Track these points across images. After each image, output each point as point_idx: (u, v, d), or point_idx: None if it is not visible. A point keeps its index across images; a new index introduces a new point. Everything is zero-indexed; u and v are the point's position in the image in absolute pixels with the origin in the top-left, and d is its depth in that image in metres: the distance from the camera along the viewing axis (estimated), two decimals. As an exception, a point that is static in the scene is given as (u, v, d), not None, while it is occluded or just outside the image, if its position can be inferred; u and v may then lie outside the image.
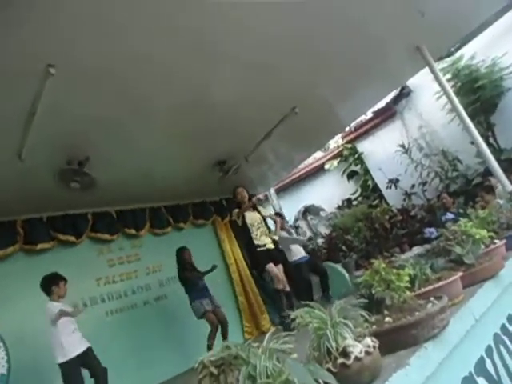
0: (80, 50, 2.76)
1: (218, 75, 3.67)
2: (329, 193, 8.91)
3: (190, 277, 4.90)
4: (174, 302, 5.45)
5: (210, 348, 4.28)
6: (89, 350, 3.65)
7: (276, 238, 5.12)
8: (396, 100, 7.86)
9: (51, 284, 3.72)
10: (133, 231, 5.59)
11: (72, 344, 3.53)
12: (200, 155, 5.16)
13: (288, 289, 4.68)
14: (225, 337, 4.68)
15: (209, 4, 2.81)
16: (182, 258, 5.04)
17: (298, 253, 5.68)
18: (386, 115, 8.08)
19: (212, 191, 6.52)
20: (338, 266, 6.16)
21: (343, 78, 4.63)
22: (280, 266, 4.75)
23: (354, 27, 3.78)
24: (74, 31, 2.59)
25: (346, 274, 5.96)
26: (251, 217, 4.83)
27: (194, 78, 3.59)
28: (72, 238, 4.94)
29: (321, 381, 1.02)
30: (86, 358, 3.58)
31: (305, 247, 6.45)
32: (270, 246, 4.77)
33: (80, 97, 3.22)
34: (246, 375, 1.05)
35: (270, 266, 4.57)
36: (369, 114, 8.18)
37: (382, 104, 7.74)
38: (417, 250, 5.61)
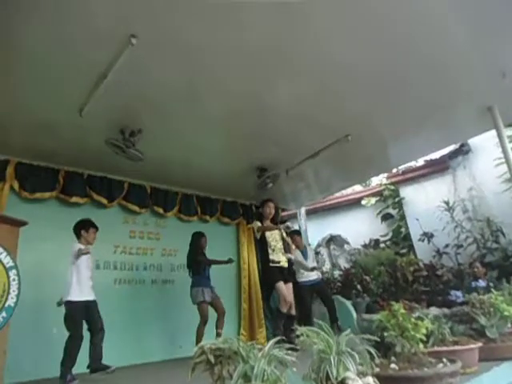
0: (164, 27, 2.88)
1: (282, 87, 3.72)
2: (358, 228, 8.71)
3: (201, 261, 4.88)
4: (179, 288, 5.50)
5: (198, 341, 4.27)
6: (94, 303, 3.75)
7: (292, 257, 5.08)
8: (452, 155, 7.61)
9: (81, 228, 3.90)
10: (161, 210, 5.71)
11: (83, 289, 3.67)
12: (243, 157, 5.22)
13: (293, 313, 4.59)
14: (219, 328, 4.62)
15: (291, 17, 2.86)
16: (198, 243, 5.03)
17: (306, 274, 5.61)
18: (437, 167, 7.83)
19: (244, 194, 6.57)
20: (348, 303, 5.99)
21: (403, 120, 4.54)
22: (290, 285, 4.68)
23: (430, 71, 3.69)
24: (162, 6, 2.69)
25: (355, 314, 5.77)
26: (271, 232, 4.83)
27: (258, 85, 3.66)
28: (104, 201, 5.12)
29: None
30: (90, 309, 3.67)
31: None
32: (284, 264, 4.73)
33: (150, 73, 3.36)
34: (241, 373, 1.04)
35: (280, 285, 4.51)
36: (420, 161, 7.96)
37: (436, 155, 7.53)
38: (434, 310, 5.34)
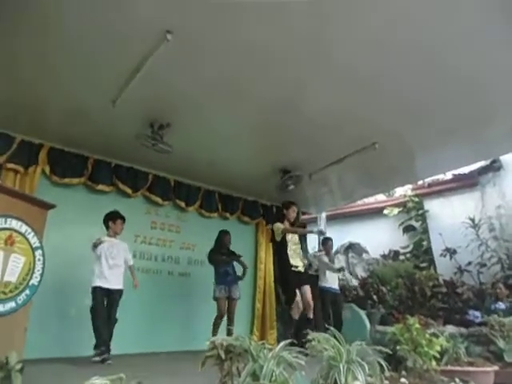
0: (201, 25, 2.92)
1: (314, 94, 3.73)
2: (378, 238, 8.58)
3: (215, 259, 5.02)
4: (195, 282, 5.58)
5: (214, 334, 4.37)
6: (117, 293, 3.91)
7: (316, 264, 5.10)
8: (482, 171, 7.38)
9: (109, 219, 4.12)
10: (183, 204, 5.80)
11: (103, 277, 3.85)
12: (267, 158, 5.23)
13: (311, 316, 4.57)
14: (229, 326, 4.74)
15: (330, 22, 2.85)
16: (222, 240, 5.15)
17: (330, 281, 5.61)
18: (465, 182, 7.62)
19: (266, 194, 6.58)
20: (362, 313, 5.91)
21: (433, 132, 4.43)
22: (307, 288, 4.66)
23: (466, 85, 3.60)
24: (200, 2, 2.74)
25: (368, 325, 5.70)
26: (291, 235, 4.84)
27: (291, 89, 3.67)
28: (129, 190, 5.25)
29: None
30: (110, 298, 3.84)
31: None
32: (302, 269, 4.74)
33: (184, 69, 3.42)
34: (250, 371, 1.05)
35: (296, 293, 4.53)
36: (448, 175, 7.77)
37: (465, 170, 7.33)
38: (451, 329, 5.21)
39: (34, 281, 2.66)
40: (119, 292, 3.95)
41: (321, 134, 4.50)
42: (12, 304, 2.50)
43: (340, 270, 5.78)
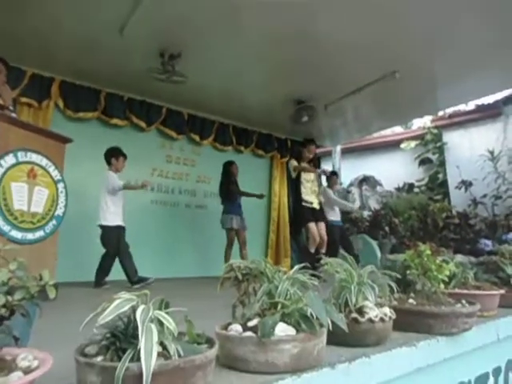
0: None
1: (329, 11, 3.44)
2: (393, 171, 8.52)
3: (232, 190, 5.08)
4: (211, 213, 5.75)
5: (226, 261, 4.61)
6: (124, 229, 4.03)
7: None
8: (507, 101, 7.03)
9: (111, 156, 4.08)
10: (197, 138, 5.79)
11: (117, 214, 3.97)
12: (282, 88, 5.04)
13: (324, 251, 4.73)
14: (243, 251, 5.00)
15: None
16: (230, 171, 5.18)
17: (334, 215, 5.69)
18: (488, 113, 7.29)
19: (281, 128, 6.47)
20: (374, 243, 6.08)
21: (459, 58, 4.16)
22: (322, 225, 4.78)
23: (494, 6, 3.28)
24: None
25: (379, 254, 5.89)
26: (307, 173, 4.88)
27: (310, 7, 3.38)
28: (143, 124, 5.23)
29: (329, 321, 1.05)
30: (121, 234, 3.98)
31: (348, 214, 6.42)
32: (317, 206, 4.84)
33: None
34: (266, 291, 1.12)
35: (311, 225, 4.67)
36: (470, 105, 7.43)
37: (489, 99, 6.98)
38: (460, 258, 5.37)
39: (59, 212, 2.79)
40: (124, 229, 4.05)
41: (338, 62, 4.27)
42: (41, 233, 2.66)
43: (362, 208, 5.78)
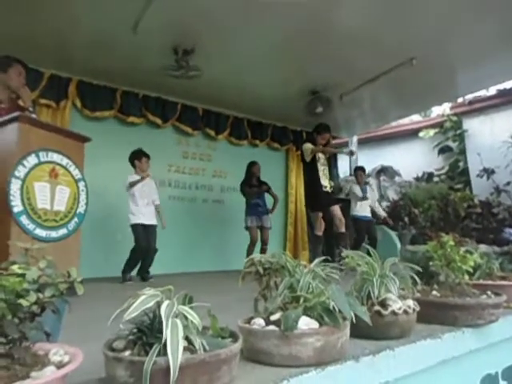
0: None
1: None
2: (412, 160, 8.37)
3: (247, 191, 5.13)
4: (228, 208, 5.79)
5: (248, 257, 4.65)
6: (153, 228, 4.15)
7: (347, 189, 5.13)
8: (531, 84, 6.80)
9: (134, 158, 4.19)
10: (212, 133, 5.81)
11: (140, 214, 4.07)
12: (296, 79, 5.00)
13: (343, 230, 4.70)
14: (264, 246, 5.03)
15: None
16: (251, 171, 5.21)
17: (361, 210, 5.64)
18: (511, 98, 7.07)
19: (296, 120, 6.43)
20: (393, 234, 6.00)
21: (481, 39, 4.01)
22: (336, 207, 4.76)
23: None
24: None
25: (399, 245, 5.82)
26: (320, 157, 4.87)
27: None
28: (159, 121, 5.28)
29: (352, 314, 1.05)
30: (148, 232, 4.09)
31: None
32: (329, 190, 4.86)
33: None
34: (287, 284, 1.12)
35: (321, 213, 4.72)
36: (491, 91, 7.22)
37: (510, 84, 6.75)
38: (483, 248, 5.25)
39: (81, 209, 2.85)
40: (154, 227, 4.17)
41: (353, 50, 4.19)
42: (64, 230, 2.72)
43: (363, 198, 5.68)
